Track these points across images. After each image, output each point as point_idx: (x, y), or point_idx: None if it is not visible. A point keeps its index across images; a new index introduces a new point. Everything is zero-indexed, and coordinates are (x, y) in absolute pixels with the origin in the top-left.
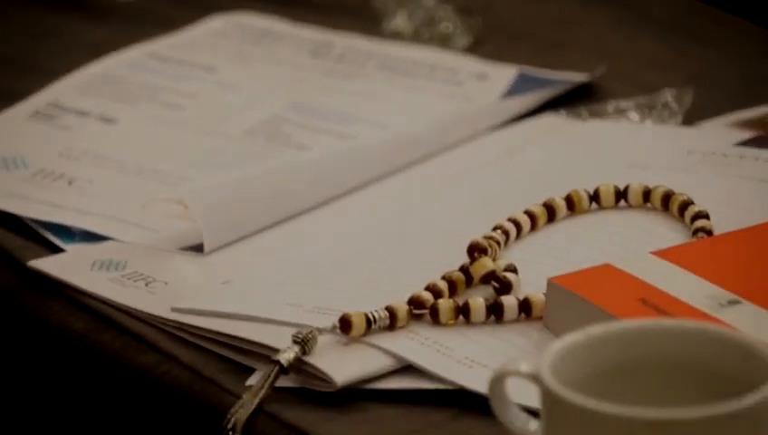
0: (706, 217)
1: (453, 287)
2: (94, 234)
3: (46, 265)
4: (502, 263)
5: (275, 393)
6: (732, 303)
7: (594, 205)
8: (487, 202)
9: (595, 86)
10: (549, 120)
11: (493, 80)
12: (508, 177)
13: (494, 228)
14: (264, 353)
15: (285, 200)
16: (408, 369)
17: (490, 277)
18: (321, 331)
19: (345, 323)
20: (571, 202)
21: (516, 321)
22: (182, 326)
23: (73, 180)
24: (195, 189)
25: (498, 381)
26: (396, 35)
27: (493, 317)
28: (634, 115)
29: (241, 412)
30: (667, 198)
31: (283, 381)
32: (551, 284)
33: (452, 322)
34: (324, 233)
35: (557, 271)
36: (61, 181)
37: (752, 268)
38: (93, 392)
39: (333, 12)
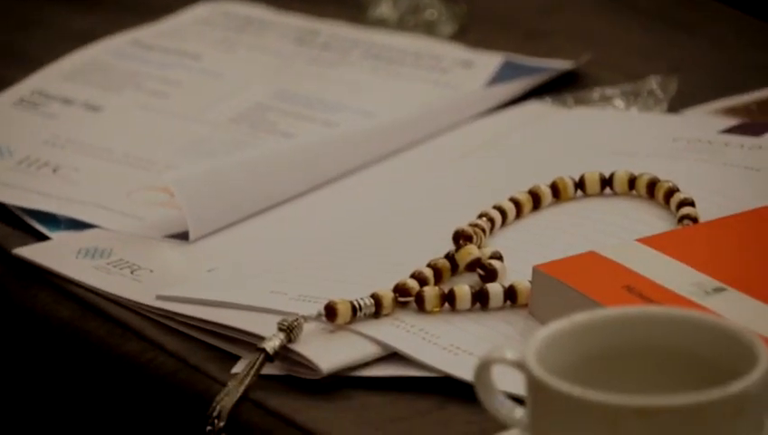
0: (692, 204)
1: (438, 275)
2: (79, 221)
3: (31, 252)
4: (487, 250)
5: (261, 381)
6: (717, 290)
7: (579, 192)
8: (472, 189)
9: (580, 73)
10: (534, 107)
11: (478, 67)
12: (493, 164)
13: (480, 216)
14: (250, 341)
15: (271, 188)
16: (393, 356)
17: (475, 265)
18: (306, 318)
19: (330, 311)
20: (556, 189)
21: (502, 308)
22: (167, 314)
23: (58, 168)
24: (180, 177)
25: (484, 368)
26: (381, 23)
27: (478, 305)
28: (619, 102)
29: (226, 400)
30: (653, 185)
31: (269, 369)
32: (536, 271)
33: (437, 309)
34: (309, 220)
35: (542, 258)
36: (46, 169)
37: (737, 255)
38: (78, 380)
39: (318, 0)
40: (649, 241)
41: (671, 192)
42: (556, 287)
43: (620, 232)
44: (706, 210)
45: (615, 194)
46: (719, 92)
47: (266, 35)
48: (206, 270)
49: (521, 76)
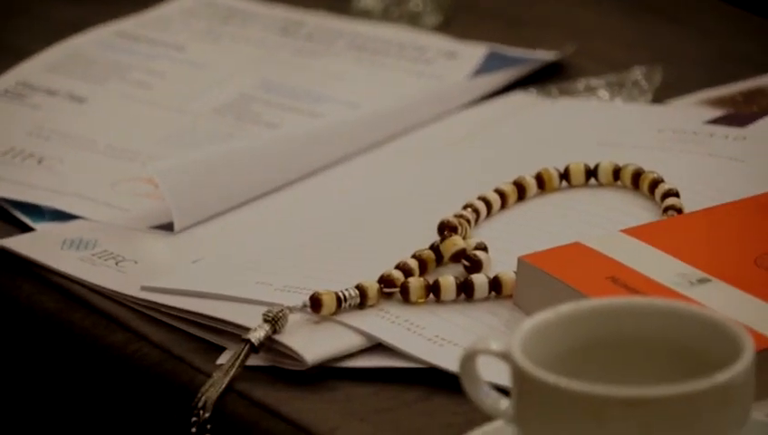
0: (677, 195)
1: (423, 266)
2: (64, 213)
3: (16, 244)
4: (472, 241)
5: (246, 372)
6: (702, 281)
7: (564, 183)
8: (457, 180)
9: (565, 64)
10: (519, 98)
11: (462, 58)
12: (478, 155)
13: (465, 207)
14: (235, 332)
15: (255, 179)
16: (378, 347)
17: (460, 256)
18: (291, 309)
19: (315, 302)
20: (541, 180)
21: (486, 299)
22: (152, 305)
23: (43, 159)
24: (164, 168)
25: (469, 359)
26: (365, 14)
27: (463, 296)
28: (604, 93)
29: (211, 391)
30: (638, 176)
31: (254, 360)
32: (521, 262)
33: (422, 300)
34: (294, 211)
35: (527, 249)
36: (30, 160)
37: (722, 246)
38: (63, 371)
39: None
40: (634, 232)
41: (656, 183)
42: (541, 278)
43: (605, 223)
44: (691, 201)
45: (600, 185)
46: (704, 83)
47: (250, 26)
48: (190, 261)
49: (505, 67)
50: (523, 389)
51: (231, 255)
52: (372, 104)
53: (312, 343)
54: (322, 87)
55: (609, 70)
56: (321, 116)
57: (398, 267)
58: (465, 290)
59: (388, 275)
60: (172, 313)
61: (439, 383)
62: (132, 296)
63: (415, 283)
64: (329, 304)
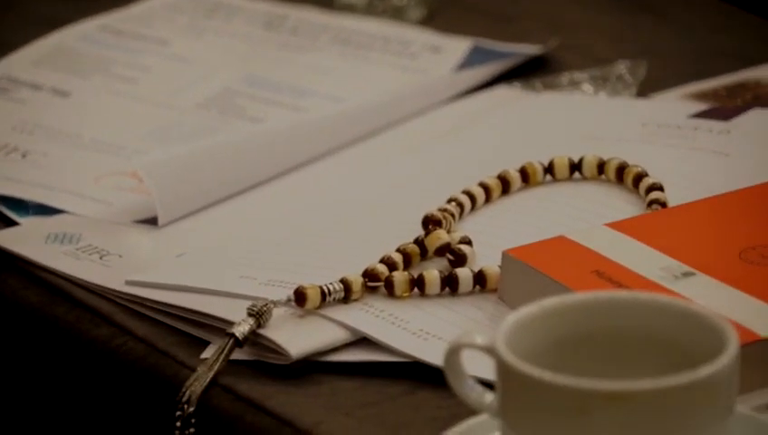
0: (661, 189)
1: (407, 260)
2: (48, 207)
3: (0, 238)
4: (456, 235)
5: (230, 366)
6: (686, 275)
7: (548, 177)
8: (441, 174)
9: (549, 58)
10: (503, 92)
11: (446, 52)
12: (462, 149)
13: (449, 201)
14: (219, 326)
15: (240, 173)
16: (363, 341)
17: (445, 250)
18: (275, 303)
19: (300, 296)
20: (525, 174)
21: (471, 293)
22: (136, 299)
23: (27, 153)
24: (149, 162)
25: (453, 353)
26: (349, 8)
27: (447, 290)
28: (588, 87)
29: (196, 385)
30: (622, 169)
31: (238, 354)
32: (505, 256)
33: (407, 294)
34: (278, 205)
35: (511, 243)
36: (15, 154)
37: (706, 240)
38: (47, 366)
39: None
40: (618, 226)
41: (640, 177)
42: (525, 272)
43: (589, 217)
44: (675, 195)
45: (584, 179)
46: (688, 77)
47: (234, 21)
48: (175, 255)
49: (489, 61)
50: (507, 383)
51: (215, 249)
52: (357, 98)
53: (297, 336)
54: (307, 81)
55: (594, 64)
56: (306, 110)
57: (382, 261)
58: (450, 284)
59: (373, 269)
60: (156, 307)
61: (424, 377)
62: (117, 290)
63: (399, 277)
64: (313, 298)
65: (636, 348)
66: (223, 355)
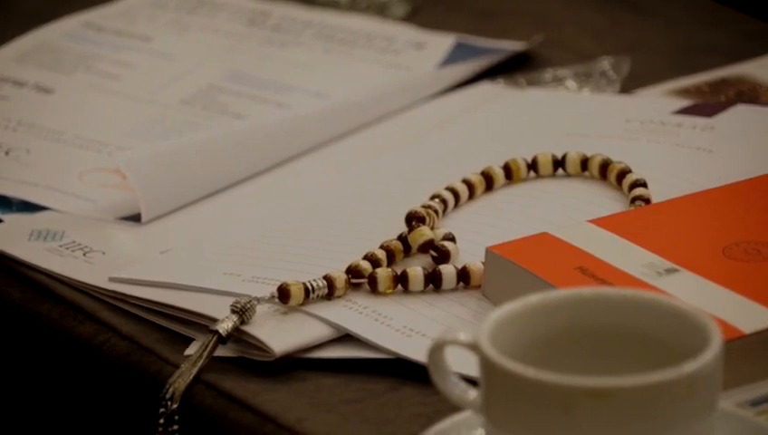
0: (644, 185)
1: (391, 256)
2: (31, 204)
3: None
4: (440, 232)
5: (214, 363)
6: (669, 271)
7: (532, 173)
8: (425, 171)
9: (533, 55)
10: (486, 88)
11: (430, 48)
12: (446, 145)
13: (432, 197)
14: (203, 323)
15: (223, 169)
16: (346, 338)
17: (428, 246)
18: (259, 300)
19: (283, 293)
20: (509, 171)
21: (455, 290)
22: (120, 296)
23: (10, 150)
24: (132, 159)
25: (437, 350)
26: (333, 4)
27: (431, 286)
28: (571, 83)
29: (179, 382)
30: (605, 166)
31: (222, 351)
32: (489, 252)
33: (390, 291)
34: (262, 202)
35: (495, 240)
36: None
37: (689, 236)
38: (31, 363)
39: None
40: (602, 222)
41: (623, 173)
42: (509, 269)
43: (573, 213)
44: (659, 191)
45: (567, 175)
46: (672, 73)
47: (218, 17)
48: (158, 252)
49: (473, 57)
50: (491, 379)
51: (199, 246)
52: (340, 95)
53: (280, 333)
54: (290, 78)
55: (577, 60)
56: (289, 107)
57: (365, 258)
58: (433, 281)
59: (356, 266)
60: (140, 304)
61: (407, 374)
62: (100, 287)
63: (383, 273)
64: (297, 294)
65: (619, 345)
66: (206, 352)
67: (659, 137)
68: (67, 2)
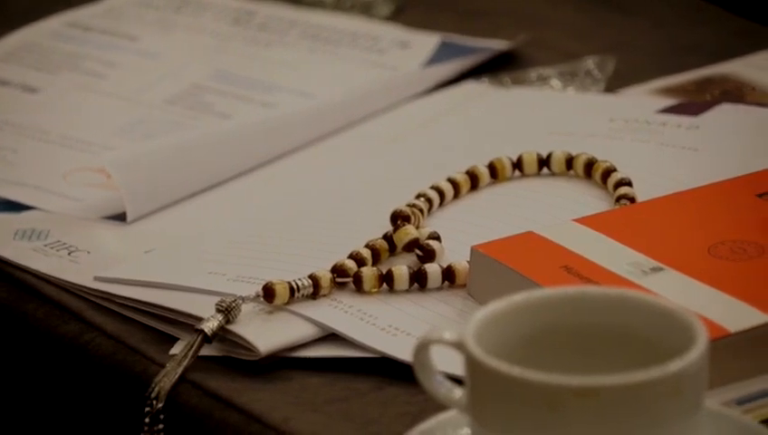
0: (629, 184)
1: (376, 255)
2: (17, 203)
3: None
4: (425, 231)
5: (199, 362)
6: (655, 270)
7: (517, 172)
8: (410, 170)
9: (517, 54)
10: (471, 87)
11: (415, 48)
12: (431, 145)
13: (418, 196)
14: (188, 322)
15: (208, 169)
16: (331, 337)
17: (413, 245)
18: (244, 299)
19: (268, 292)
20: (494, 170)
21: (440, 289)
22: (105, 295)
23: None
24: (117, 158)
25: (422, 349)
26: (318, 4)
27: (416, 285)
28: (556, 83)
29: (165, 381)
30: (590, 165)
31: (207, 350)
32: (474, 251)
33: (375, 290)
34: (247, 201)
35: (480, 239)
36: None
37: (675, 235)
38: (16, 362)
39: None
40: (587, 221)
41: (608, 172)
42: (494, 267)
43: (558, 212)
44: (644, 190)
45: (553, 174)
46: (656, 72)
47: (203, 16)
48: (143, 251)
49: (458, 56)
50: (476, 378)
51: (184, 245)
52: (325, 94)
53: (265, 332)
54: (275, 77)
55: (562, 59)
56: (274, 106)
57: (351, 257)
58: (419, 280)
59: (341, 265)
60: (125, 303)
61: (393, 373)
62: (85, 287)
63: (368, 272)
64: (282, 293)
65: (605, 344)
66: (191, 351)
67: (644, 136)
68: (53, 1)
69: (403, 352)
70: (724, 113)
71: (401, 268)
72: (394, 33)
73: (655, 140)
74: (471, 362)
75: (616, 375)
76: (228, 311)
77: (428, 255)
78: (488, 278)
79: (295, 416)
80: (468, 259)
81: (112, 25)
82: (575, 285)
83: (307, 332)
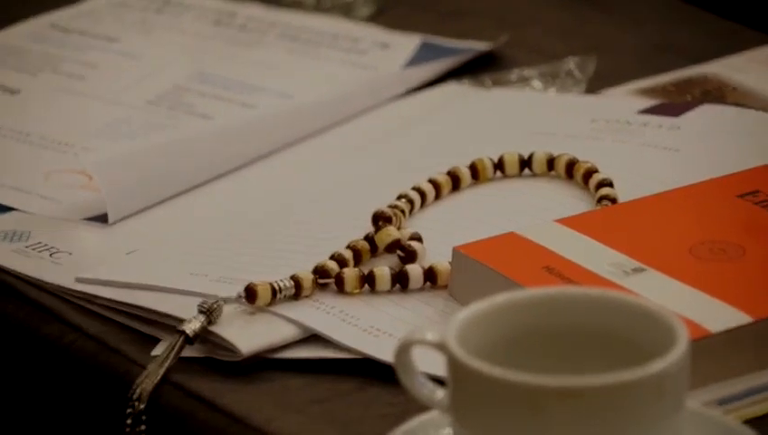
0: (610, 184)
1: (358, 256)
2: None
3: None
4: (406, 232)
5: (181, 363)
6: (636, 270)
7: (498, 173)
8: (391, 171)
9: (498, 55)
10: (452, 88)
11: (396, 49)
12: (412, 145)
13: (399, 197)
14: (170, 324)
15: (190, 170)
16: (313, 338)
17: (395, 246)
18: (226, 300)
19: (250, 293)
20: (475, 170)
21: (421, 290)
22: (87, 297)
23: None
24: (98, 160)
25: (404, 350)
26: (298, 4)
27: (398, 286)
28: (537, 83)
29: (147, 382)
30: (572, 165)
31: (189, 351)
32: (455, 252)
33: (357, 291)
34: (229, 202)
35: (462, 239)
36: None
37: (656, 236)
38: None
39: None
40: (568, 222)
41: (590, 173)
42: (476, 268)
43: (540, 213)
44: (625, 191)
45: (534, 175)
46: (637, 73)
47: (183, 17)
48: (125, 252)
49: (439, 58)
50: (458, 379)
51: (165, 246)
52: (306, 95)
53: (247, 333)
54: (256, 78)
55: (543, 60)
56: (255, 107)
57: (332, 258)
58: (400, 281)
59: (323, 266)
60: (107, 304)
61: (375, 374)
62: (67, 288)
63: (350, 273)
64: (264, 295)
65: (587, 344)
66: (173, 352)
67: (625, 136)
68: (33, 3)
69: (385, 353)
70: (705, 114)
71: (383, 269)
72: (375, 33)
73: (636, 140)
74: (453, 363)
75: (598, 376)
76: (210, 312)
77: (410, 256)
78: (470, 279)
79: (277, 417)
80: (450, 260)
81: (92, 27)
82: (557, 286)
83: (289, 333)
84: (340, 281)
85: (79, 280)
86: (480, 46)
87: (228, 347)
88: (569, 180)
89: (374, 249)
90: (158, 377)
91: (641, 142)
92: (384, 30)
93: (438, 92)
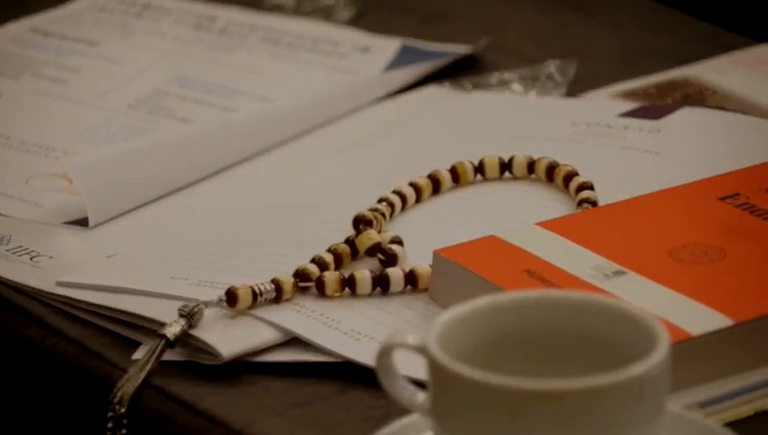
0: (591, 187)
1: (338, 260)
2: None
3: None
4: (387, 235)
5: (162, 367)
6: (617, 273)
7: (479, 176)
8: (372, 174)
9: (478, 58)
10: (432, 92)
11: (376, 52)
12: (392, 149)
13: (379, 201)
14: (150, 327)
15: (170, 174)
16: (294, 341)
17: (375, 250)
18: (207, 304)
19: (231, 297)
20: (455, 174)
21: (402, 293)
22: (68, 301)
23: None
24: (79, 163)
25: (385, 353)
26: (278, 8)
27: (379, 289)
28: (518, 87)
29: (128, 386)
30: (552, 169)
31: (170, 355)
32: (436, 256)
33: (338, 294)
34: (209, 206)
35: (442, 243)
36: None
37: (636, 239)
38: None
39: None
40: (549, 225)
41: (570, 176)
42: (456, 271)
43: (520, 216)
44: (606, 194)
45: (514, 178)
46: (618, 76)
47: (164, 21)
48: (105, 256)
49: (419, 61)
50: (438, 382)
51: (146, 250)
52: (286, 98)
53: (228, 337)
54: (236, 82)
55: (523, 63)
56: (236, 111)
57: (313, 261)
58: (381, 284)
59: (304, 270)
60: (88, 308)
61: (355, 377)
62: (48, 292)
63: (330, 277)
64: (244, 298)
65: (567, 347)
66: (154, 356)
67: (606, 139)
68: (13, 7)
69: (366, 357)
70: (686, 117)
71: (364, 273)
72: (355, 37)
73: (616, 143)
74: (434, 367)
75: (578, 379)
76: (191, 316)
77: (391, 259)
78: (451, 282)
79: (259, 420)
80: (431, 263)
81: (73, 31)
82: (537, 289)
83: (270, 336)
84: (320, 284)
85: (60, 284)
86: (460, 50)
87: (209, 350)
88: (549, 183)
89: (355, 253)
90: (139, 381)
91: (622, 145)
92: (364, 33)
93: (419, 96)
